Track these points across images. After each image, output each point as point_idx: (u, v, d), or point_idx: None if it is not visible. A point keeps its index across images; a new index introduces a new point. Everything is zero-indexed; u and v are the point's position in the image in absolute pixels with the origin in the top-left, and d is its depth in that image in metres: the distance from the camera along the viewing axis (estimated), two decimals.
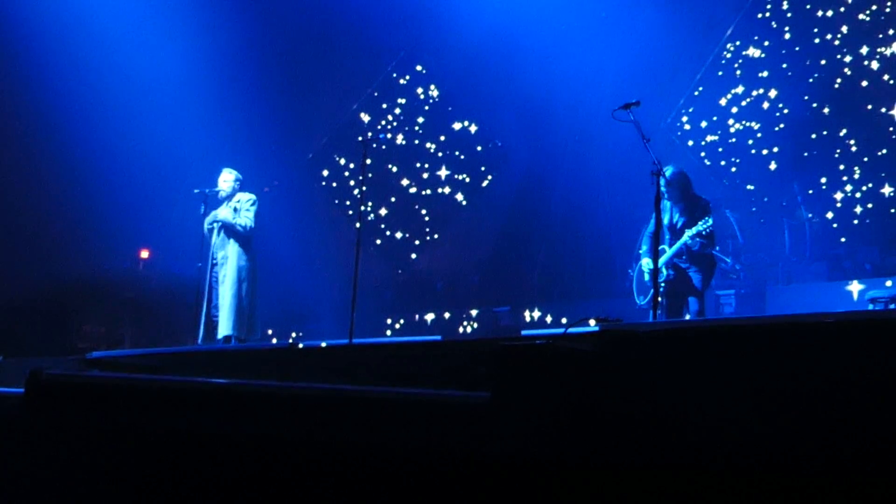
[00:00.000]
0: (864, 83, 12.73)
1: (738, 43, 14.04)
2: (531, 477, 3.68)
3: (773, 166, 13.35)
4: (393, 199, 17.29)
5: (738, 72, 13.96)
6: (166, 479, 4.64)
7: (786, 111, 13.33)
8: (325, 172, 17.89)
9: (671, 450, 3.48)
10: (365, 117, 17.70)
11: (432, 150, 17.20)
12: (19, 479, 5.13)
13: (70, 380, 5.48)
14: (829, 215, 12.67)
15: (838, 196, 12.67)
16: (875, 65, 12.69)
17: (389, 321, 15.22)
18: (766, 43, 13.78)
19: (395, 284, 16.82)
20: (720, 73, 14.13)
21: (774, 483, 3.29)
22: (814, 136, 13.04)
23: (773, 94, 13.49)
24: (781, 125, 13.34)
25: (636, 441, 3.55)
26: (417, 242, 17.10)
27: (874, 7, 12.80)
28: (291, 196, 16.51)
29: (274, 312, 13.95)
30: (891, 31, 12.62)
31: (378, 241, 17.26)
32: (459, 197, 16.92)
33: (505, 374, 3.88)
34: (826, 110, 12.99)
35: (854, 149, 12.68)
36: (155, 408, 4.90)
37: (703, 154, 14.03)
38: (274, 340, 13.63)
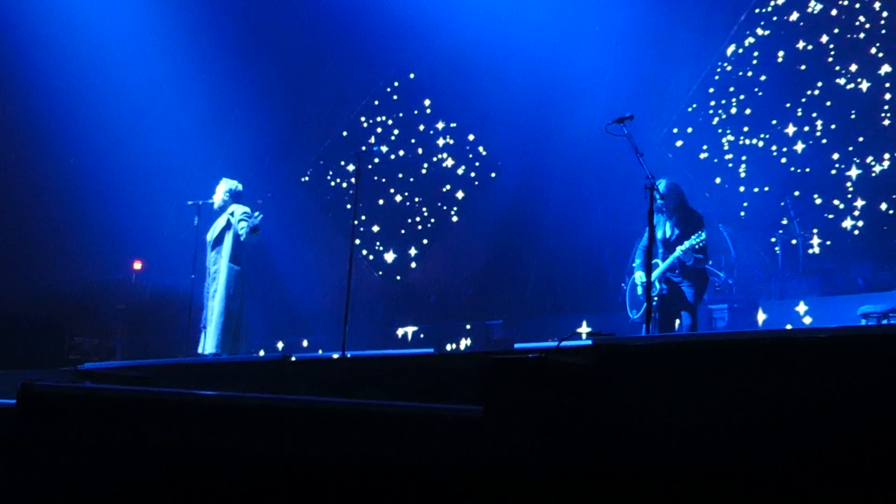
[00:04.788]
0: (857, 101, 12.78)
1: (731, 59, 14.10)
2: (523, 491, 3.68)
3: (765, 182, 13.40)
4: (386, 212, 17.31)
5: (731, 87, 14.02)
6: (159, 493, 4.63)
7: (778, 128, 13.38)
8: (319, 185, 17.90)
9: (664, 464, 3.48)
10: (359, 131, 17.72)
11: (426, 164, 17.23)
12: (11, 492, 5.10)
13: (62, 392, 5.46)
14: (822, 231, 12.70)
15: (831, 212, 12.71)
16: (866, 84, 12.74)
17: (382, 334, 15.20)
18: (757, 61, 13.84)
19: (388, 297, 16.81)
20: (711, 90, 14.19)
21: (767, 497, 3.29)
22: (807, 153, 13.08)
23: (765, 110, 13.54)
24: (774, 142, 13.39)
25: (629, 455, 3.55)
26: (411, 255, 17.11)
27: (868, 26, 12.86)
28: (285, 208, 16.50)
29: (266, 325, 13.93)
30: (883, 51, 12.68)
31: (371, 255, 17.26)
32: (453, 210, 16.94)
33: (497, 388, 3.88)
34: (819, 126, 13.04)
35: (846, 165, 12.72)
36: (148, 420, 4.89)
37: (696, 169, 14.06)
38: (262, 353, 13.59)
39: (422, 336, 14.75)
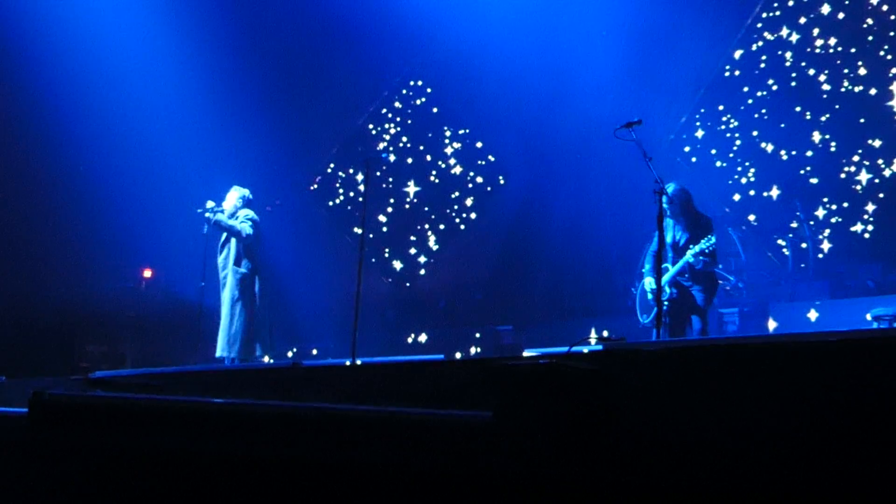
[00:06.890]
0: (866, 104, 12.74)
1: (740, 63, 14.08)
2: (534, 496, 3.67)
3: (774, 186, 13.37)
4: (395, 218, 17.33)
5: (740, 91, 13.99)
6: (170, 500, 4.63)
7: (787, 131, 13.35)
8: (328, 192, 17.94)
9: (675, 469, 3.47)
10: (367, 137, 17.76)
11: (434, 170, 17.24)
12: (22, 499, 5.12)
13: (73, 400, 5.48)
14: (832, 234, 12.67)
15: (841, 215, 12.68)
16: (874, 88, 12.71)
17: (392, 341, 15.19)
18: (765, 65, 13.82)
19: (398, 303, 16.81)
20: (720, 94, 14.17)
21: (779, 502, 3.28)
22: (816, 156, 13.06)
23: (774, 113, 13.52)
24: (783, 146, 13.37)
25: (639, 460, 3.54)
26: (420, 261, 17.12)
27: (876, 28, 12.83)
28: (294, 215, 16.52)
29: (276, 333, 13.93)
30: (892, 54, 12.65)
31: (380, 262, 17.27)
32: (462, 216, 16.95)
33: (507, 394, 3.87)
34: (828, 129, 13.01)
35: (856, 169, 12.69)
36: (158, 428, 4.89)
37: (705, 173, 14.03)
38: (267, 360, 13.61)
39: (431, 341, 14.74)
